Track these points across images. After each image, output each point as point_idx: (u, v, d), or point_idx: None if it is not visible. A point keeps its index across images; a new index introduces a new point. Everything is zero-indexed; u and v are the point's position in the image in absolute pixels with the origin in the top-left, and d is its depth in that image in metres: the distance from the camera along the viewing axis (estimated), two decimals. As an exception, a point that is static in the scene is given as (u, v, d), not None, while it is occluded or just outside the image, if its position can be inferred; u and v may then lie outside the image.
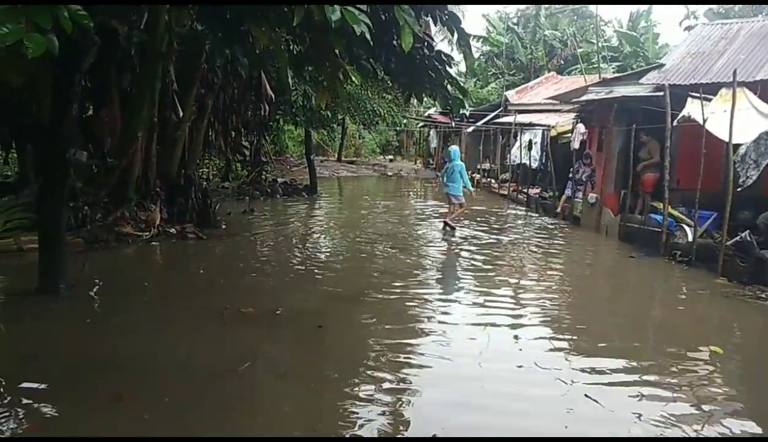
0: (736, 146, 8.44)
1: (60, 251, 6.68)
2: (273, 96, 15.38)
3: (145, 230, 10.01)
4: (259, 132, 19.11)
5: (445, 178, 12.58)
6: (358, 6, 4.51)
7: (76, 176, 9.71)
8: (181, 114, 11.78)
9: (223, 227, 11.61)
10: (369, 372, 4.82)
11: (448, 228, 12.29)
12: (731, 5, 28.23)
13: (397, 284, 7.86)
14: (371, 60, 6.46)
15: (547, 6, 35.91)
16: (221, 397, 4.32)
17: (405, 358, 5.23)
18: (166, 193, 11.14)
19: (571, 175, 14.50)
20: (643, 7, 31.43)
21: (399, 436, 3.92)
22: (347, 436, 3.92)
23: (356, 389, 4.51)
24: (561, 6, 37.18)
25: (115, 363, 4.86)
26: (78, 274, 7.07)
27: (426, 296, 7.35)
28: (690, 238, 9.62)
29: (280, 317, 6.16)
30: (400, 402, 4.34)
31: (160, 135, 11.35)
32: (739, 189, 8.45)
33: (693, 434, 4.00)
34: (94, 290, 7.01)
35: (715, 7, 30.28)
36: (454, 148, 13.16)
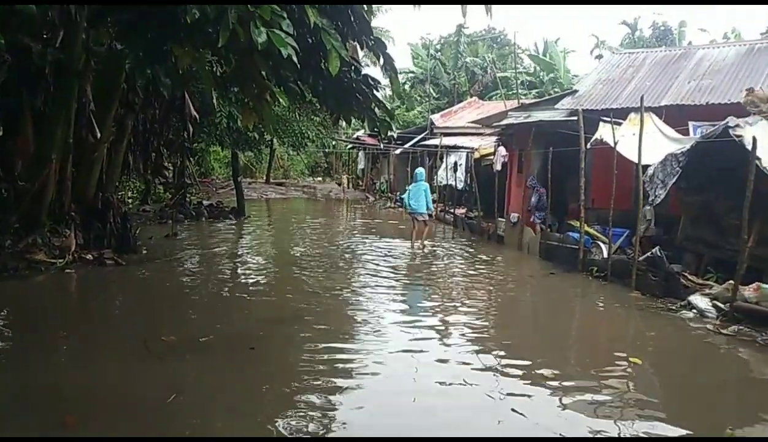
0: (645, 167, 8.99)
1: (-36, 280, 6.23)
2: (197, 117, 15.03)
3: (60, 257, 9.45)
4: (183, 153, 18.57)
5: (408, 198, 13.10)
6: (284, 29, 4.53)
7: (-17, 201, 9.15)
8: (99, 135, 11.31)
9: (144, 251, 11.13)
10: (306, 386, 4.80)
11: (419, 245, 12.90)
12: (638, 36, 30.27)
13: (327, 303, 7.85)
14: (299, 82, 6.47)
15: (467, 33, 37.10)
16: (147, 427, 4.14)
17: (340, 375, 5.23)
18: (82, 217, 10.57)
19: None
20: (551, 37, 33.14)
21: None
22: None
23: (291, 406, 4.46)
24: (480, 33, 38.48)
25: (34, 399, 4.54)
26: (-16, 305, 6.61)
27: (356, 314, 7.39)
28: (605, 254, 10.12)
29: (210, 343, 5.97)
30: (335, 418, 4.33)
31: (76, 157, 10.81)
32: (648, 207, 8.97)
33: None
34: (3, 322, 6.55)
35: (623, 38, 32.41)
36: (420, 170, 13.58)
